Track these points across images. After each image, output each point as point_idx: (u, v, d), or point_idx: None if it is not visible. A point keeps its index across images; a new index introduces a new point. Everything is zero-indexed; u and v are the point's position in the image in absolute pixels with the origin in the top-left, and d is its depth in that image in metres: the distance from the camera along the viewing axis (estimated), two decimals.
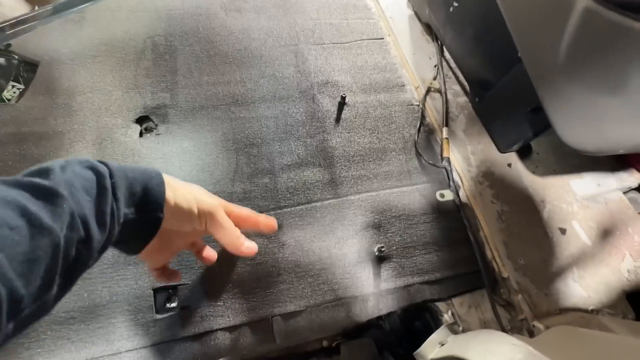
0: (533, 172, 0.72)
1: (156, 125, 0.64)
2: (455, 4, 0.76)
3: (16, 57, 0.67)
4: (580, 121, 0.49)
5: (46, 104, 0.63)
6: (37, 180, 0.24)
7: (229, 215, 0.42)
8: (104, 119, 0.63)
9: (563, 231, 0.65)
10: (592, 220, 0.67)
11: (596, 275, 0.62)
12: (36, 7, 0.79)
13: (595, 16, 0.41)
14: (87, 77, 0.67)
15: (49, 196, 0.23)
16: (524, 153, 0.74)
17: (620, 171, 0.75)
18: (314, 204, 0.59)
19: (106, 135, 0.62)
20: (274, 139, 0.65)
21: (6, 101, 0.64)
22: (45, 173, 0.25)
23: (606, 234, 0.66)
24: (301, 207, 0.59)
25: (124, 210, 0.30)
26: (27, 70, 0.67)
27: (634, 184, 0.74)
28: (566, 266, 0.62)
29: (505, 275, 0.59)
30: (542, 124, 0.59)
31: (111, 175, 0.29)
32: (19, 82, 0.66)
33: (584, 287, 0.60)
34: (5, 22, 0.69)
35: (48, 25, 0.72)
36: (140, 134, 0.63)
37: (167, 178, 0.35)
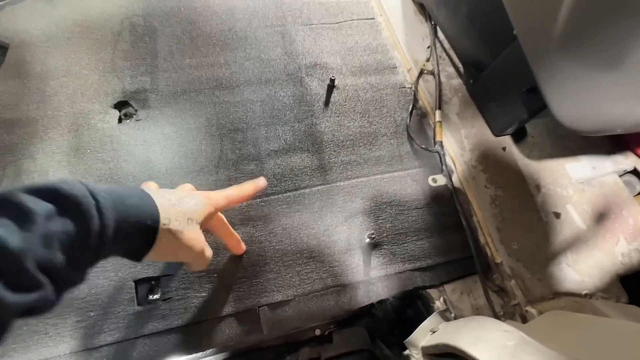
0: (528, 156, 0.70)
1: (136, 110, 0.61)
2: None
3: None
4: (577, 99, 0.47)
5: (17, 89, 0.60)
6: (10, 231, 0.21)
7: (220, 208, 0.39)
8: (80, 104, 0.60)
9: (557, 215, 0.64)
10: (586, 204, 0.66)
11: (590, 259, 0.61)
12: None
13: None
14: (61, 60, 0.63)
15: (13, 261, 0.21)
16: (519, 137, 0.72)
17: (617, 154, 0.73)
18: (302, 191, 0.57)
19: (83, 122, 0.59)
20: (260, 123, 0.62)
21: None
22: (24, 219, 0.22)
23: (601, 217, 0.65)
24: (289, 194, 0.57)
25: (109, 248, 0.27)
26: None
27: (630, 167, 0.73)
28: (560, 250, 0.61)
29: (498, 260, 0.58)
30: (537, 105, 0.57)
31: (100, 217, 0.25)
32: None
33: (578, 272, 0.59)
34: None
35: (17, 5, 0.67)
36: (119, 120, 0.60)
37: (160, 206, 0.30)
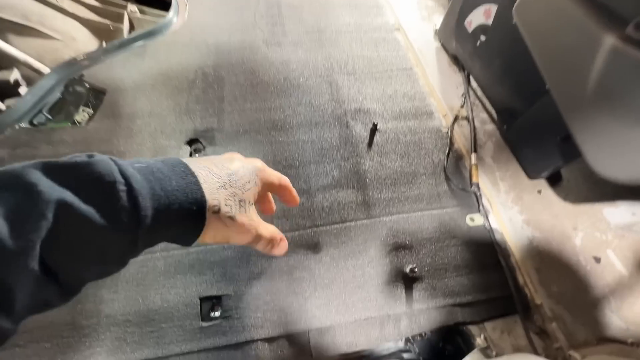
0: (564, 199, 0.72)
1: (204, 147, 0.71)
2: (483, 39, 0.81)
3: (87, 85, 0.77)
4: (611, 151, 0.50)
5: (111, 126, 0.71)
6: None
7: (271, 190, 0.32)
8: (160, 140, 0.71)
9: (597, 260, 0.64)
10: (628, 250, 0.66)
11: (635, 306, 0.60)
12: (104, 43, 0.90)
13: (622, 54, 0.44)
14: (146, 103, 0.75)
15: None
16: (554, 180, 0.74)
17: None
18: (348, 224, 0.63)
19: (161, 155, 0.68)
20: (310, 161, 0.70)
21: (78, 124, 0.72)
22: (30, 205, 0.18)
23: None
24: (336, 226, 0.62)
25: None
26: (96, 97, 0.76)
27: None
28: (602, 296, 0.61)
29: (538, 302, 0.59)
30: (572, 152, 0.61)
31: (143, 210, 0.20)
32: (89, 107, 0.75)
33: (622, 319, 0.59)
34: (80, 56, 0.80)
35: (114, 58, 0.82)
36: (190, 155, 0.70)
37: (207, 188, 0.24)
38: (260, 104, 0.78)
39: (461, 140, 0.78)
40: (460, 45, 0.89)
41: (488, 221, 0.66)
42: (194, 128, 0.73)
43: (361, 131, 0.75)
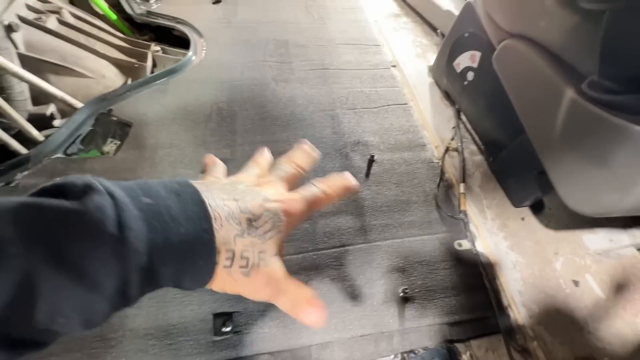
0: (546, 226, 0.78)
1: None
2: (470, 78, 0.90)
3: (115, 118, 0.87)
4: (578, 187, 0.57)
5: (136, 156, 0.80)
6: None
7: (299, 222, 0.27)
8: (179, 169, 0.79)
9: (576, 283, 0.70)
10: (605, 274, 0.72)
11: (611, 327, 0.65)
12: (129, 80, 1.00)
13: (579, 106, 0.52)
14: (167, 135, 0.84)
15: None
16: (537, 208, 0.81)
17: (633, 227, 0.80)
18: (347, 248, 0.69)
19: None
20: None
21: (106, 154, 0.81)
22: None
23: (620, 288, 0.70)
24: (336, 249, 0.69)
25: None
26: (122, 129, 0.85)
27: None
28: (580, 317, 0.66)
29: (520, 322, 0.64)
30: (549, 186, 0.68)
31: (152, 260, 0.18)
32: (116, 139, 0.84)
33: (598, 339, 0.64)
34: (109, 92, 0.89)
35: (140, 94, 0.92)
36: None
37: (221, 238, 0.21)
38: (269, 137, 0.86)
39: (451, 170, 0.86)
40: (450, 83, 0.99)
41: (475, 246, 0.72)
42: None
43: (360, 162, 0.83)
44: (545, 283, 0.70)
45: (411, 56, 1.17)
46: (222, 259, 0.20)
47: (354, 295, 0.64)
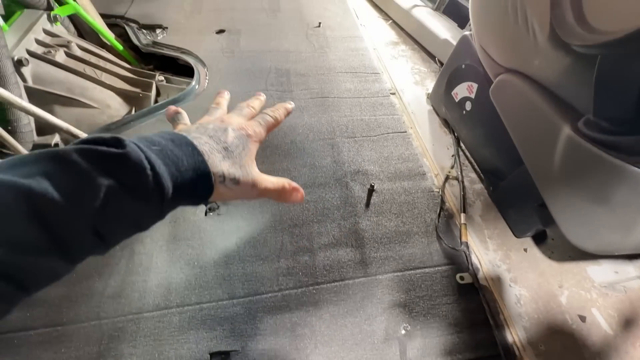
0: (549, 257, 0.77)
1: (218, 206, 0.79)
2: (468, 108, 0.91)
3: None
4: (579, 224, 0.57)
5: None
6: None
7: (262, 141, 0.35)
8: None
9: (583, 318, 0.68)
10: (612, 309, 0.70)
11: None
12: (134, 109, 1.02)
13: (576, 144, 0.53)
14: None
15: None
16: (540, 239, 0.80)
17: (639, 259, 0.78)
18: (346, 282, 0.69)
19: (180, 215, 0.77)
20: (313, 220, 0.77)
21: None
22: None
23: (628, 323, 0.69)
24: (335, 284, 0.68)
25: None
26: None
27: None
28: (588, 355, 0.64)
29: None
30: (550, 219, 0.67)
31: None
32: None
33: None
34: (113, 122, 0.91)
35: (143, 124, 0.93)
36: (205, 213, 0.78)
37: (211, 164, 0.28)
38: (270, 166, 0.87)
39: (452, 199, 0.86)
40: (448, 111, 1.00)
41: (477, 280, 0.71)
42: None
43: (359, 192, 0.83)
44: (551, 319, 0.68)
45: (410, 83, 1.19)
46: (216, 177, 0.27)
47: (354, 333, 0.63)
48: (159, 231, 0.74)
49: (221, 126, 0.31)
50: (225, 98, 0.40)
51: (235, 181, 0.29)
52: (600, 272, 0.76)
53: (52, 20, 0.99)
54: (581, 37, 0.48)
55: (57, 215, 0.20)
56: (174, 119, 0.36)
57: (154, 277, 0.67)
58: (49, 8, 0.99)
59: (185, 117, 0.36)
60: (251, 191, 0.31)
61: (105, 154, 0.22)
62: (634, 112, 0.44)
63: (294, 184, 0.35)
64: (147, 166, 0.23)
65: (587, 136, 0.51)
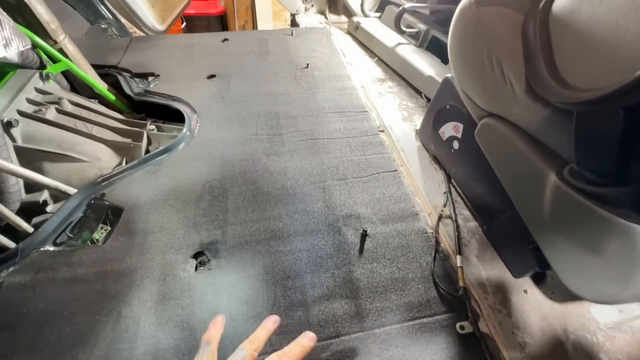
0: (550, 298, 0.75)
1: (209, 259, 0.77)
2: (455, 148, 0.92)
3: (107, 203, 0.87)
4: (575, 273, 0.56)
5: (125, 243, 0.79)
6: None
7: None
8: (169, 255, 0.77)
9: None
10: (620, 353, 0.67)
11: None
12: (124, 160, 1.03)
13: (563, 193, 0.52)
14: (158, 218, 0.84)
15: None
16: (539, 278, 0.78)
17: None
18: (342, 338, 0.66)
19: (169, 271, 0.75)
20: (306, 271, 0.75)
21: (96, 242, 0.80)
22: None
23: None
24: (331, 341, 0.65)
25: None
26: (114, 214, 0.85)
27: None
28: None
29: None
30: (546, 262, 0.66)
31: None
32: (107, 225, 0.84)
33: None
34: (103, 176, 0.91)
35: (133, 176, 0.93)
36: (196, 268, 0.76)
37: None
38: (260, 214, 0.86)
39: (446, 240, 0.84)
40: (437, 149, 1.01)
41: (478, 328, 0.68)
42: (200, 241, 0.80)
43: (352, 237, 0.82)
44: None
45: (398, 120, 1.21)
46: None
47: None
48: (147, 291, 0.71)
49: None
50: (219, 328, 0.44)
51: None
52: (605, 312, 0.73)
53: (45, 78, 1.01)
54: (556, 92, 0.49)
55: None
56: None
57: (141, 343, 0.64)
58: (42, 67, 1.02)
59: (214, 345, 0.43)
60: None
61: None
62: (615, 166, 0.44)
63: None
64: None
65: (573, 186, 0.51)
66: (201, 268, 0.76)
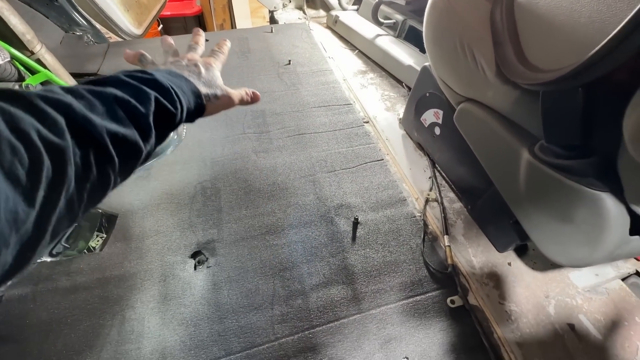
0: (533, 268, 0.80)
1: (207, 258, 0.79)
2: (437, 132, 0.95)
3: (100, 211, 0.87)
4: (551, 240, 0.60)
5: (123, 249, 0.80)
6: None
7: None
8: (167, 257, 0.79)
9: (572, 327, 0.71)
10: (598, 313, 0.73)
11: None
12: None
13: (535, 168, 0.56)
14: (153, 222, 0.85)
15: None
16: (521, 251, 0.83)
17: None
18: (341, 321, 0.69)
19: (169, 273, 0.76)
20: (302, 261, 0.78)
21: (92, 250, 0.81)
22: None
23: (614, 325, 0.71)
24: (331, 324, 0.69)
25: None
26: (108, 221, 0.86)
27: (632, 270, 0.81)
28: None
29: None
30: (526, 234, 0.70)
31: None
32: (102, 232, 0.85)
33: None
34: None
35: (124, 183, 0.93)
36: (195, 267, 0.78)
37: (203, 93, 0.38)
38: (254, 210, 0.88)
39: (434, 222, 0.89)
40: (420, 136, 1.04)
41: (467, 301, 0.73)
42: (197, 241, 0.82)
43: (345, 226, 0.85)
44: (542, 331, 0.70)
45: (381, 110, 1.24)
46: (204, 97, 0.37)
47: None
48: (149, 292, 0.73)
49: (191, 62, 0.42)
50: (203, 39, 0.51)
51: (216, 97, 0.40)
52: (582, 276, 0.79)
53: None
54: (522, 75, 0.53)
55: (135, 113, 0.28)
56: (140, 60, 0.44)
57: (148, 343, 0.66)
58: (21, 79, 1.00)
59: (148, 56, 0.45)
60: (228, 102, 0.41)
61: (142, 78, 0.31)
62: (579, 139, 0.49)
63: (249, 90, 0.45)
64: (169, 86, 0.32)
65: (543, 161, 0.55)
66: (200, 267, 0.78)
